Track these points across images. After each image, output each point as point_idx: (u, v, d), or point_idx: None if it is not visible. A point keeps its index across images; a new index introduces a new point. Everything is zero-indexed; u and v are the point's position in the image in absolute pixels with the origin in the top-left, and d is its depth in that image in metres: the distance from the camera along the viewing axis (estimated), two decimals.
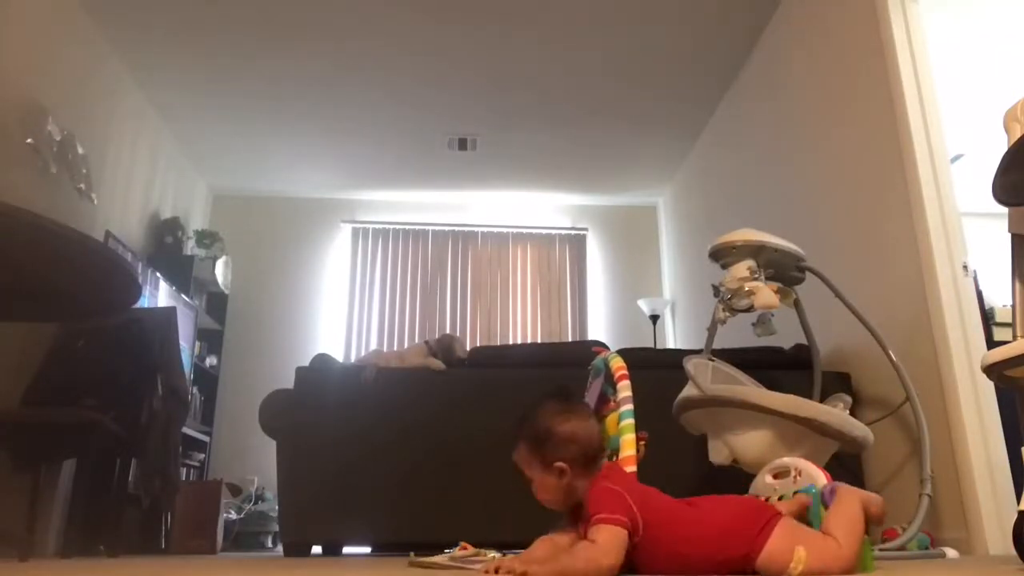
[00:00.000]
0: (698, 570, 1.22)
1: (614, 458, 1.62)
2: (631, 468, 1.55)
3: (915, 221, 2.62)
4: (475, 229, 6.10)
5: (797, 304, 2.55)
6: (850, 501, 1.36)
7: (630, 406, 1.63)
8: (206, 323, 5.27)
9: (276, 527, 4.35)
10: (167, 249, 4.88)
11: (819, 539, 1.26)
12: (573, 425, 1.35)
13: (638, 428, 1.61)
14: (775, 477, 1.82)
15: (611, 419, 1.68)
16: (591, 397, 1.84)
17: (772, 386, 2.28)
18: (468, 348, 3.05)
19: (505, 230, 6.11)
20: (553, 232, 6.15)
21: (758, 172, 4.13)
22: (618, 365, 1.74)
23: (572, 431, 1.34)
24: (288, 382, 2.82)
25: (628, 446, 1.58)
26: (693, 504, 1.34)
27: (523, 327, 5.88)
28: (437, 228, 6.07)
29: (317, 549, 2.85)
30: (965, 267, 2.53)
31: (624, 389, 1.67)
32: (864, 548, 1.29)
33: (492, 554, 1.57)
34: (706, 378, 2.19)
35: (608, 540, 1.20)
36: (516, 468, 1.39)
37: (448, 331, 5.78)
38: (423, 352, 2.93)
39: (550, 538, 1.33)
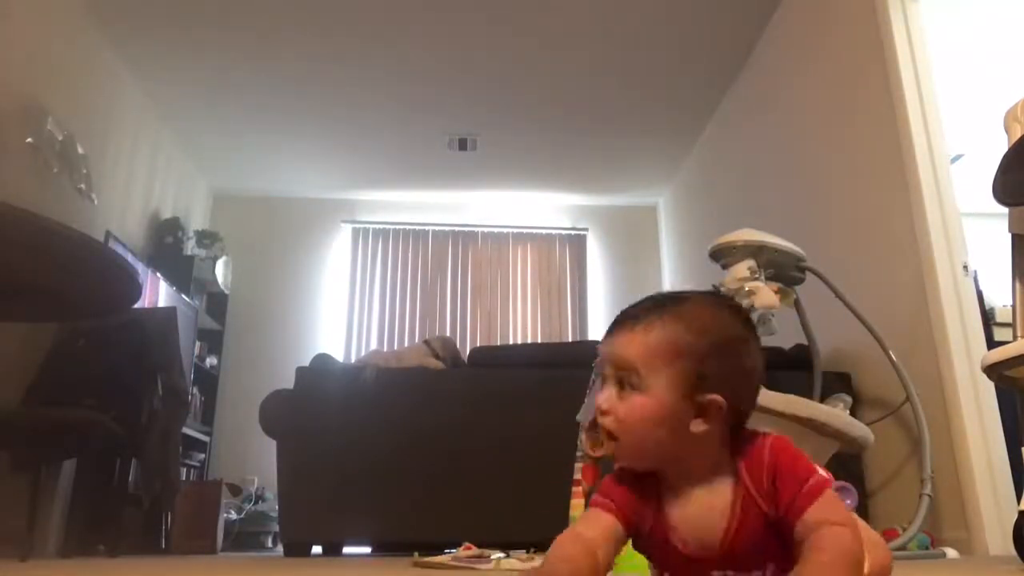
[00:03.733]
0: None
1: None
2: None
3: (915, 221, 2.62)
4: (475, 229, 6.10)
5: (797, 304, 2.55)
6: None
7: None
8: (206, 323, 5.27)
9: (276, 527, 4.34)
10: (167, 249, 4.88)
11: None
12: (759, 360, 0.83)
13: None
14: None
15: None
16: (594, 395, 1.83)
17: (772, 386, 2.27)
18: (469, 348, 3.05)
19: (505, 230, 6.11)
20: (553, 232, 6.15)
21: (758, 172, 4.13)
22: None
23: (756, 366, 0.83)
24: (288, 382, 2.81)
25: None
26: None
27: (523, 327, 5.88)
28: (437, 228, 6.07)
29: (317, 549, 2.85)
30: (965, 267, 2.53)
31: None
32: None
33: (497, 555, 1.57)
34: None
35: (850, 514, 0.77)
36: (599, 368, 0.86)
37: (448, 331, 5.79)
38: (422, 352, 2.93)
39: (576, 533, 0.82)
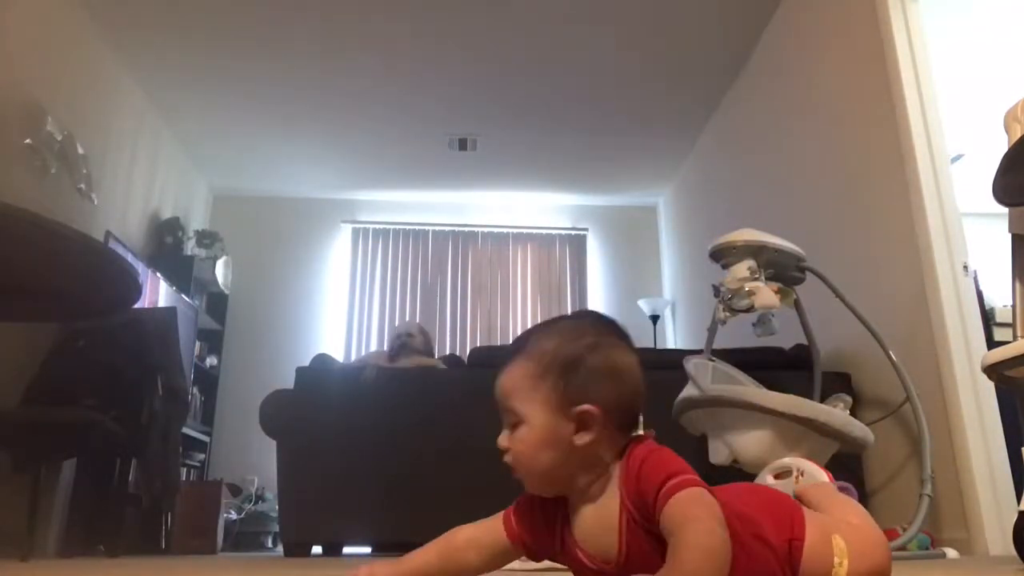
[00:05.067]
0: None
1: None
2: None
3: (915, 221, 2.62)
4: (475, 229, 6.10)
5: (797, 304, 2.55)
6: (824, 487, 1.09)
7: None
8: (206, 323, 5.27)
9: (276, 527, 4.34)
10: (167, 249, 4.88)
11: (845, 526, 0.91)
12: (625, 357, 0.86)
13: (644, 426, 1.61)
14: (776, 477, 1.82)
15: None
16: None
17: (772, 386, 2.27)
18: (469, 348, 3.05)
19: (505, 230, 6.11)
20: (553, 232, 6.15)
21: (758, 172, 4.13)
22: None
23: (621, 363, 0.85)
24: (288, 382, 2.82)
25: None
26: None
27: (523, 327, 5.86)
28: (437, 228, 6.07)
29: (317, 549, 2.85)
30: (965, 267, 2.53)
31: None
32: None
33: None
34: (706, 378, 2.19)
35: (710, 508, 0.76)
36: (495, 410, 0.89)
37: (448, 331, 5.80)
38: (383, 357, 2.88)
39: (449, 538, 0.92)
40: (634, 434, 0.86)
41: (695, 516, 0.74)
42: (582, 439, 0.81)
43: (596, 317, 0.90)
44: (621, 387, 0.84)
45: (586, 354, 0.83)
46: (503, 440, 0.86)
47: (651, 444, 0.85)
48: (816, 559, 0.85)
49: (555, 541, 0.87)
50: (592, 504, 0.83)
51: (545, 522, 0.87)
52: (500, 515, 0.92)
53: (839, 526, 0.90)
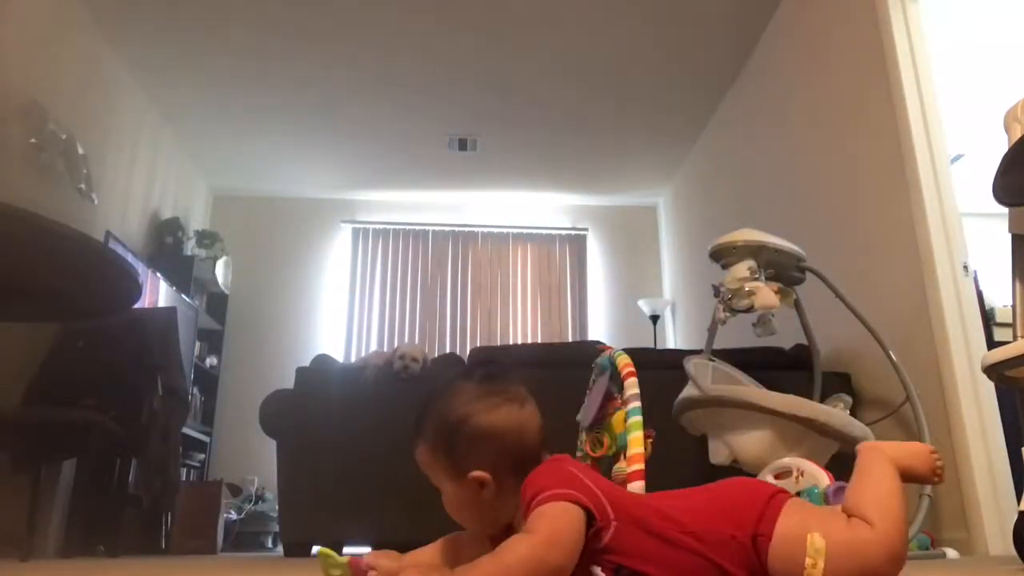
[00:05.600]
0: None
1: (620, 457, 1.61)
2: (638, 466, 1.54)
3: (915, 221, 2.62)
4: (475, 229, 6.09)
5: (797, 304, 2.55)
6: (878, 463, 0.93)
7: (638, 403, 1.62)
8: (206, 323, 5.27)
9: (276, 527, 4.34)
10: (167, 249, 4.88)
11: (841, 522, 0.86)
12: (500, 416, 0.94)
13: (644, 426, 1.60)
14: (777, 477, 1.82)
15: (618, 417, 1.68)
16: (595, 396, 1.83)
17: (772, 386, 2.28)
18: (469, 348, 3.04)
19: (505, 230, 6.11)
20: (553, 232, 6.14)
21: (758, 172, 4.13)
22: (625, 362, 1.73)
23: (495, 424, 0.94)
24: (288, 382, 2.81)
25: (635, 444, 1.57)
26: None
27: (523, 327, 5.88)
28: (437, 228, 6.07)
29: (317, 549, 2.85)
30: (965, 267, 2.53)
31: (631, 386, 1.66)
32: None
33: None
34: (706, 378, 2.19)
35: (554, 524, 0.81)
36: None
37: (448, 331, 5.80)
38: (384, 358, 2.86)
39: (454, 537, 1.05)
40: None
41: (534, 528, 0.82)
42: (489, 494, 0.93)
43: (481, 374, 1.00)
44: (503, 445, 0.93)
45: (459, 426, 0.94)
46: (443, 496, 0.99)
47: (537, 470, 0.92)
48: (783, 557, 0.83)
49: None
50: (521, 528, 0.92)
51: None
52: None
53: (832, 523, 0.85)
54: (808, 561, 0.81)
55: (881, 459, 0.93)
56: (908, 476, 0.95)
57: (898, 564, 0.82)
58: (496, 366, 1.02)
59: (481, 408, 0.95)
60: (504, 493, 0.92)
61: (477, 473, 0.92)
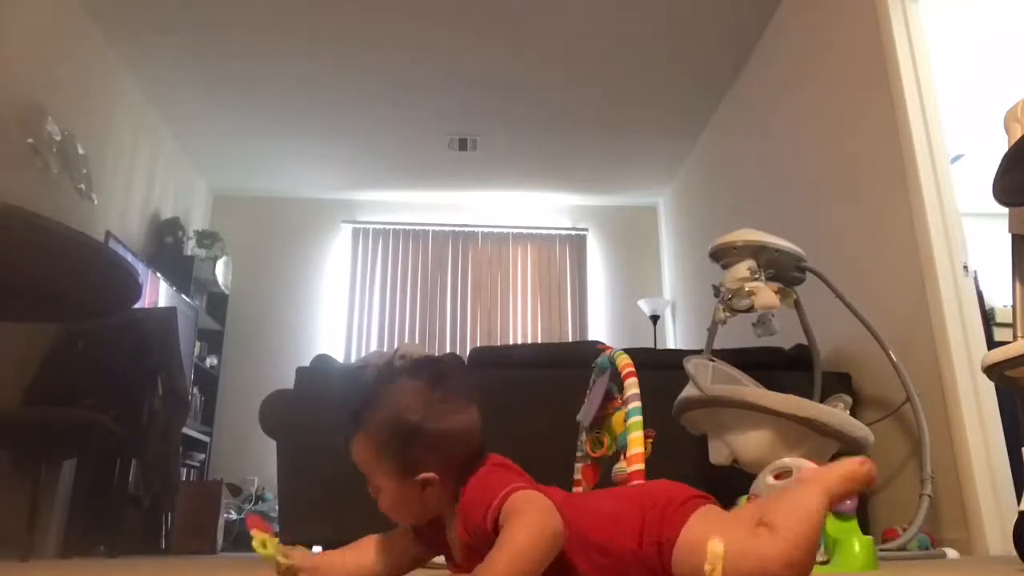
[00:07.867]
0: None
1: (621, 456, 1.61)
2: (639, 466, 1.54)
3: (915, 221, 2.62)
4: (475, 229, 6.09)
5: (797, 304, 2.55)
6: (806, 485, 0.90)
7: (638, 403, 1.62)
8: (206, 323, 5.27)
9: (276, 527, 4.34)
10: (167, 249, 4.88)
11: (745, 529, 0.85)
12: (457, 421, 0.96)
13: (645, 427, 1.60)
14: (777, 478, 1.82)
15: (618, 417, 1.68)
16: (595, 395, 1.83)
17: (772, 386, 2.27)
18: (469, 348, 3.04)
19: (505, 230, 6.11)
20: (553, 232, 6.14)
21: (758, 172, 4.13)
22: (625, 362, 1.73)
23: (452, 429, 0.95)
24: (288, 382, 2.81)
25: (635, 444, 1.57)
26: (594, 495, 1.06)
27: (523, 327, 5.88)
28: (437, 228, 6.07)
29: (317, 549, 2.85)
30: (965, 267, 2.53)
31: (631, 386, 1.66)
32: (868, 547, 1.27)
33: None
34: (706, 378, 2.19)
35: (533, 503, 0.86)
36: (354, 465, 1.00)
37: (448, 331, 5.80)
38: (384, 357, 2.88)
39: (382, 538, 1.06)
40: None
41: (518, 510, 0.85)
42: (431, 495, 0.95)
43: (432, 372, 0.98)
44: (455, 449, 0.95)
45: (421, 424, 0.93)
46: (372, 492, 0.99)
47: (473, 480, 0.93)
48: (685, 563, 0.85)
49: (443, 539, 1.00)
50: (451, 521, 0.97)
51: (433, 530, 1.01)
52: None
53: (736, 530, 0.85)
54: (707, 567, 0.82)
55: (811, 483, 0.90)
56: (846, 496, 0.92)
57: (796, 570, 0.81)
58: (442, 364, 1.01)
59: (438, 413, 0.95)
60: (445, 490, 0.95)
61: (427, 475, 0.93)
